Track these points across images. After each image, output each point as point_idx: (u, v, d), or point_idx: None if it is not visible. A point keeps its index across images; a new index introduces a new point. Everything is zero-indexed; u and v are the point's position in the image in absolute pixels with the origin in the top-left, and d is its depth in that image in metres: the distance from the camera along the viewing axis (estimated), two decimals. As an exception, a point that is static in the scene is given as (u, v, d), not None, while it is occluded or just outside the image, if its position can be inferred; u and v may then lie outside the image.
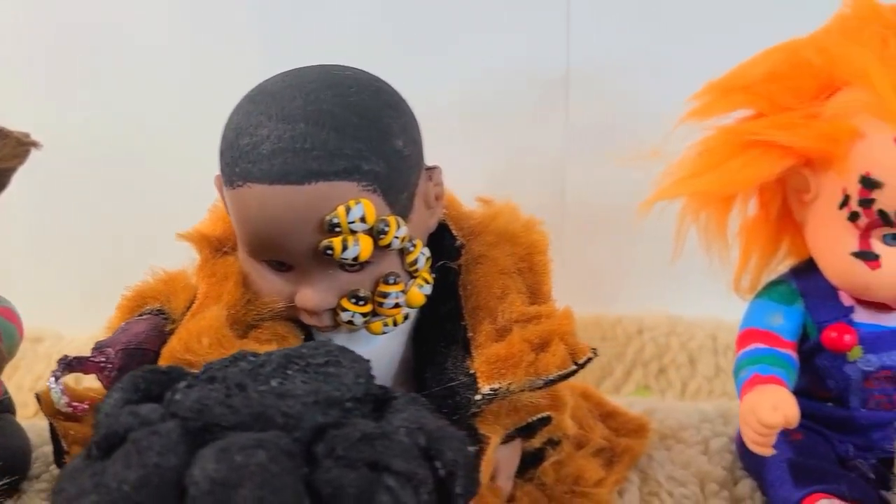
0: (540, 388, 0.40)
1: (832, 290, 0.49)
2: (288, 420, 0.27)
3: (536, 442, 0.48)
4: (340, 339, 0.45)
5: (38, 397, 0.44)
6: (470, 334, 0.42)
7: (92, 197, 0.82)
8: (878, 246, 0.44)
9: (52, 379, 0.38)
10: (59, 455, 0.44)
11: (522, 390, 0.40)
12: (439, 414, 0.41)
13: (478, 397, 0.40)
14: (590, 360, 0.42)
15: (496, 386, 0.39)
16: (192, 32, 0.79)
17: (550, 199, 0.87)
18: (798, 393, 0.51)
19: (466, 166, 0.83)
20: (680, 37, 0.78)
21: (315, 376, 0.29)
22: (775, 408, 0.43)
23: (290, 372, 0.29)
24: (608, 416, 0.54)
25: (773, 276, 0.52)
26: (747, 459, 0.52)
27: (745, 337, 0.50)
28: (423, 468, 0.28)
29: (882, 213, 0.43)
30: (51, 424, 0.43)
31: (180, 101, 0.78)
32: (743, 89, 0.48)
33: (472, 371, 0.40)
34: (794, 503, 0.46)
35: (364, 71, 0.43)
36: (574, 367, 0.41)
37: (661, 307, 0.85)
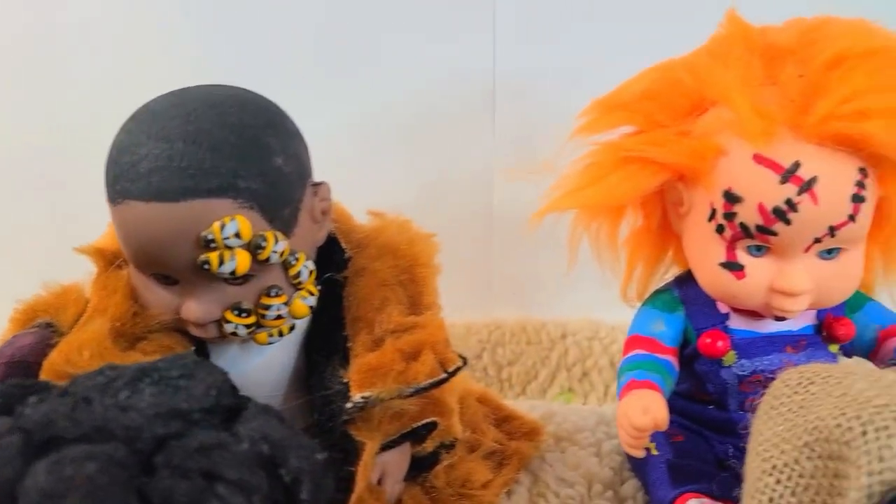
0: (411, 395, 0.42)
1: (710, 299, 0.51)
2: (128, 432, 0.29)
3: (429, 446, 0.50)
4: (232, 349, 0.47)
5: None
6: (349, 344, 0.44)
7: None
8: (743, 257, 0.47)
9: None
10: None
11: (392, 398, 0.41)
12: (325, 417, 0.43)
13: (349, 405, 0.41)
14: (459, 368, 0.44)
15: (367, 394, 0.41)
16: (122, 31, 0.79)
17: (479, 210, 0.89)
18: (681, 396, 0.54)
19: (396, 178, 0.86)
20: (604, 49, 0.80)
21: (165, 389, 0.31)
22: (645, 411, 0.45)
23: (141, 385, 0.31)
24: (504, 420, 0.56)
25: (659, 284, 0.55)
26: (633, 460, 0.54)
27: (630, 343, 0.52)
28: (257, 476, 0.29)
29: (743, 225, 0.45)
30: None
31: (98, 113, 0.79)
32: (622, 107, 0.50)
33: (345, 380, 0.42)
34: (668, 502, 0.48)
35: (250, 91, 0.45)
36: (444, 376, 0.43)
37: (584, 313, 0.87)
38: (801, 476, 0.35)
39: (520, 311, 0.88)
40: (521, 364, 0.86)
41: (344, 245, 0.47)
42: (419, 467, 0.51)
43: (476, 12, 0.81)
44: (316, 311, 0.46)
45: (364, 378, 0.41)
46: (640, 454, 0.47)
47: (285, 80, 0.81)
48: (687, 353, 0.52)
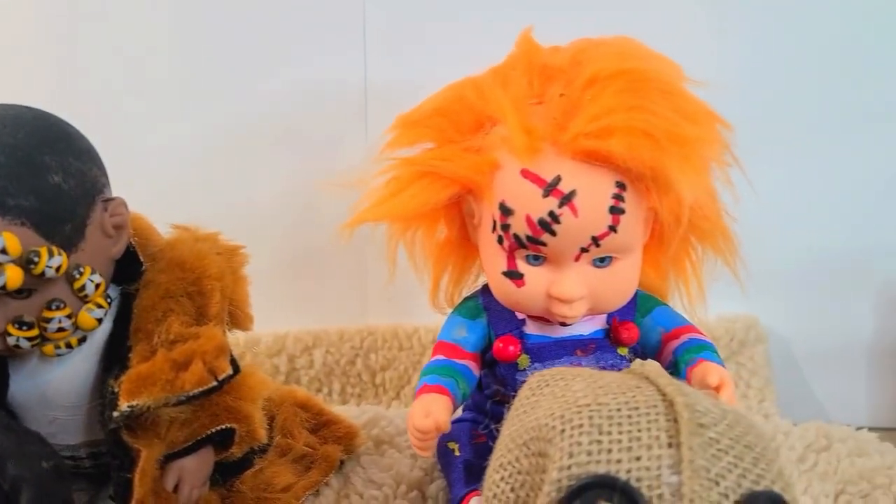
0: (180, 404, 0.44)
1: (511, 312, 0.53)
2: None
3: (237, 452, 0.52)
4: (32, 361, 0.48)
5: None
6: (130, 354, 0.45)
7: None
8: (522, 266, 0.49)
9: None
10: None
11: (160, 406, 0.43)
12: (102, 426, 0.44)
13: (116, 413, 0.43)
14: (231, 377, 0.46)
15: (133, 403, 0.43)
16: None
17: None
18: (489, 399, 0.56)
19: (272, 188, 0.88)
20: (470, 59, 0.83)
21: None
22: (427, 414, 0.48)
23: None
24: (323, 424, 0.58)
25: (471, 292, 0.57)
26: (441, 461, 0.56)
27: (435, 349, 0.54)
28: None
29: (517, 236, 0.48)
30: None
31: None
32: (419, 123, 0.52)
33: (115, 389, 0.43)
34: (458, 501, 0.50)
35: (37, 110, 0.46)
36: (215, 384, 0.44)
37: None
38: (518, 473, 0.37)
39: (392, 318, 0.90)
40: (394, 369, 0.88)
41: (142, 258, 0.49)
42: (233, 472, 0.52)
43: (347, 26, 0.83)
44: (115, 323, 0.48)
45: (132, 387, 0.43)
46: (428, 455, 0.49)
47: (161, 88, 0.82)
48: (488, 358, 0.54)
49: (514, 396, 0.54)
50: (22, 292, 0.44)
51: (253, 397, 0.50)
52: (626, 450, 0.34)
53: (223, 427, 0.48)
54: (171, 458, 0.48)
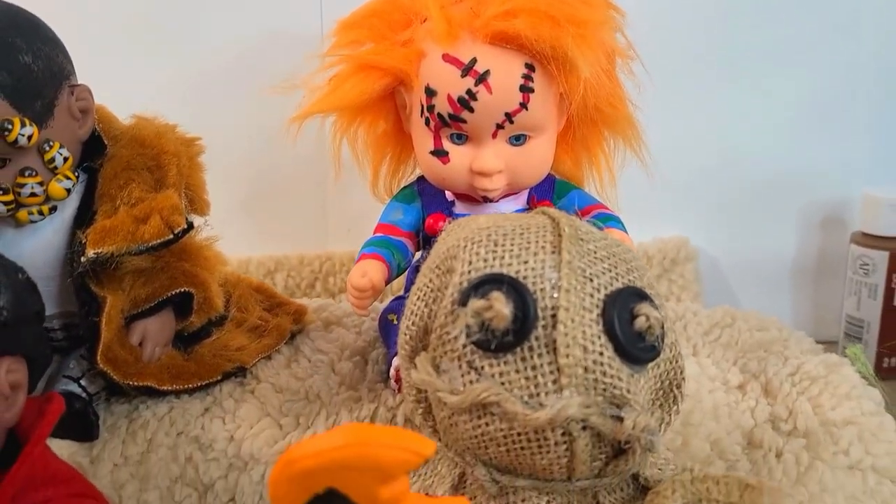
0: (143, 252, 0.50)
1: (441, 189, 0.60)
2: None
3: (196, 321, 0.57)
4: (8, 233, 0.54)
5: None
6: (96, 217, 0.51)
7: None
8: (447, 145, 0.56)
9: None
10: None
11: (122, 254, 0.49)
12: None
13: (83, 259, 0.49)
14: (185, 230, 0.52)
15: (99, 250, 0.48)
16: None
17: (314, 153, 0.97)
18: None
19: (240, 123, 0.93)
20: None
21: None
22: (363, 274, 0.54)
23: None
24: (277, 304, 0.64)
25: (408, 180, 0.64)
26: (382, 331, 0.62)
27: (375, 230, 0.61)
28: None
29: (440, 115, 0.54)
30: None
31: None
32: (355, 24, 0.58)
33: (83, 240, 0.49)
34: (390, 358, 0.56)
35: (10, 4, 0.52)
36: (171, 237, 0.50)
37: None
38: (431, 290, 0.43)
39: (350, 245, 0.96)
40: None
41: (105, 140, 0.54)
42: (192, 341, 0.58)
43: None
44: (81, 198, 0.54)
45: (97, 237, 0.49)
46: (364, 313, 0.55)
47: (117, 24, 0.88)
48: (423, 237, 0.61)
49: (446, 272, 0.60)
50: (-3, 161, 0.49)
51: (209, 267, 0.56)
52: (516, 256, 0.40)
53: (182, 290, 0.54)
54: (135, 318, 0.54)
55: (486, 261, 0.41)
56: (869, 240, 0.87)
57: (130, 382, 0.51)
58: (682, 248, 0.95)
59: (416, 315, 0.44)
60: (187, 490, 0.51)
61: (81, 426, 0.51)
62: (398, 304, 0.62)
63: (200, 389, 0.55)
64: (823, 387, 0.57)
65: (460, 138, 0.55)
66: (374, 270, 0.54)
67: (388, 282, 0.57)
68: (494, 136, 0.54)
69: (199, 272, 0.55)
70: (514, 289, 0.39)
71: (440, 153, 0.56)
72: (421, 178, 0.62)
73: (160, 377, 0.53)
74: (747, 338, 0.66)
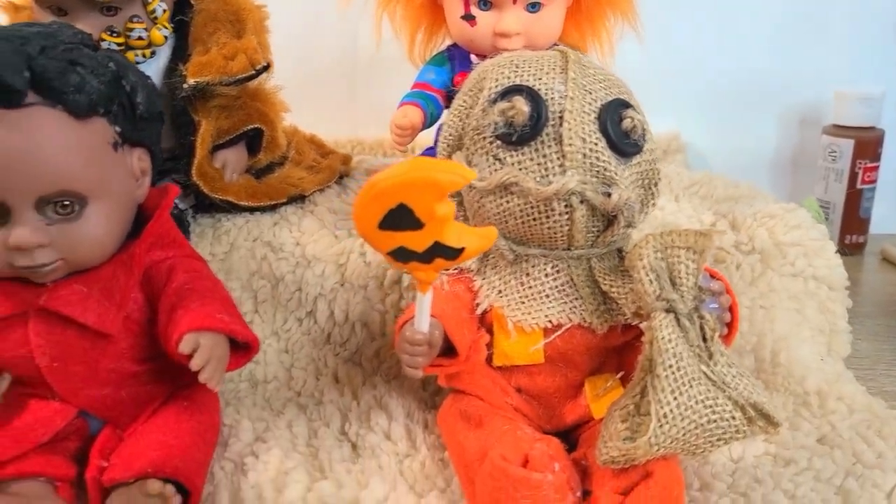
0: (231, 84, 0.62)
1: (468, 54, 0.71)
2: (25, 37, 0.47)
3: (263, 159, 0.70)
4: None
5: None
6: (190, 56, 0.63)
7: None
8: (475, 10, 0.67)
9: None
10: None
11: (216, 84, 0.61)
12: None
13: (185, 86, 0.61)
14: (266, 67, 0.63)
15: (198, 79, 0.60)
16: None
17: (346, 45, 1.08)
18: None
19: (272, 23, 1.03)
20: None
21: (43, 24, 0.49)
22: (404, 115, 0.66)
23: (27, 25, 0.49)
24: (327, 153, 0.76)
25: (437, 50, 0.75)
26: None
27: (412, 87, 0.72)
28: (106, 68, 0.48)
29: (469, -16, 0.65)
30: None
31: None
32: None
33: (184, 72, 0.61)
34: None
35: None
36: (253, 72, 0.62)
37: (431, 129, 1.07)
38: (464, 107, 0.55)
39: (378, 130, 1.08)
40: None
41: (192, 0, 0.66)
42: (259, 176, 0.70)
43: None
44: (173, 49, 0.65)
45: (196, 70, 0.61)
46: (402, 149, 0.68)
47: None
48: (452, 95, 0.72)
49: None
50: (111, 9, 0.60)
51: (276, 110, 0.68)
52: (532, 74, 0.52)
53: (255, 126, 0.66)
54: (216, 148, 0.66)
55: (508, 77, 0.53)
56: (837, 130, 0.99)
57: (216, 195, 0.64)
58: (672, 140, 1.06)
59: (452, 127, 0.56)
60: (262, 282, 0.64)
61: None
62: (430, 152, 0.74)
63: (269, 209, 0.67)
64: (779, 221, 0.69)
65: (486, 5, 0.67)
66: (413, 114, 0.66)
67: (423, 127, 0.69)
68: (514, 2, 0.66)
69: (268, 112, 0.67)
70: (531, 96, 0.51)
71: (469, 17, 0.67)
72: (451, 46, 0.73)
73: (238, 194, 0.65)
74: (721, 192, 0.78)
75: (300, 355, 0.64)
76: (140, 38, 0.62)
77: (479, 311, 0.54)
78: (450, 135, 0.56)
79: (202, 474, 0.50)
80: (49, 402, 0.52)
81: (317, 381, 0.63)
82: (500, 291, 0.54)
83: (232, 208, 0.66)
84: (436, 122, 0.72)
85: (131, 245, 0.52)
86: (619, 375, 0.55)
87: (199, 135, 0.62)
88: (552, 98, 0.51)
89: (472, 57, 0.71)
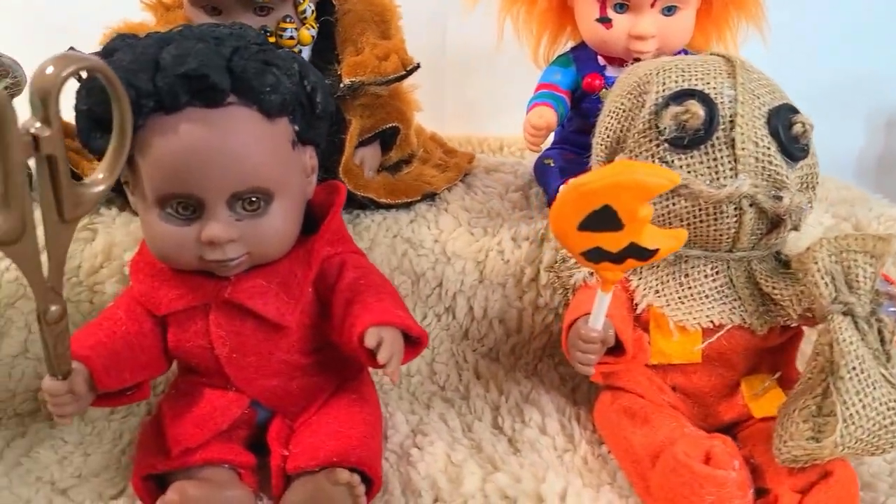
0: (384, 83, 0.63)
1: (593, 55, 0.72)
2: (219, 38, 0.48)
3: (394, 156, 0.71)
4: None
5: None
6: (340, 56, 0.64)
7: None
8: (611, 13, 0.68)
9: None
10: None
11: (370, 84, 0.62)
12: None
13: (342, 85, 0.62)
14: (416, 67, 0.65)
15: (353, 79, 0.62)
16: None
17: (434, 42, 1.09)
18: (573, 132, 0.76)
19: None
20: None
21: (234, 26, 0.51)
22: (540, 116, 0.67)
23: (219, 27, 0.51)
24: (448, 151, 0.77)
25: (561, 51, 0.76)
26: (538, 172, 0.75)
27: (536, 88, 0.73)
28: (293, 69, 0.50)
29: (590, -9, 0.67)
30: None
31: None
32: None
33: (339, 72, 0.63)
34: (556, 187, 0.70)
35: None
36: (404, 72, 0.64)
37: (516, 130, 1.08)
38: (622, 110, 0.56)
39: (466, 128, 1.09)
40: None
41: (334, 1, 0.67)
42: (392, 171, 0.72)
43: None
44: (316, 45, 0.66)
45: (351, 70, 0.62)
46: (537, 149, 0.69)
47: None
48: (576, 97, 0.73)
49: (594, 124, 0.73)
50: (264, 9, 0.62)
51: (412, 108, 0.69)
52: (701, 79, 0.53)
53: (392, 125, 0.67)
54: (356, 146, 0.67)
55: (676, 82, 0.53)
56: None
57: (359, 192, 0.65)
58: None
59: (610, 129, 0.57)
60: (403, 277, 0.66)
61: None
62: (552, 152, 0.75)
63: (404, 206, 0.68)
64: (905, 225, 0.70)
65: (622, 8, 0.68)
66: (549, 114, 0.67)
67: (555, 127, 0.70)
68: (652, 5, 0.67)
69: (405, 110, 0.68)
70: (704, 100, 0.52)
71: (604, 20, 0.68)
72: (574, 48, 0.74)
73: (378, 191, 0.66)
74: (835, 195, 0.79)
75: (440, 350, 0.65)
76: (291, 38, 0.63)
77: (638, 310, 0.55)
78: (608, 137, 0.57)
79: (379, 464, 0.52)
80: (225, 392, 0.53)
81: (459, 376, 0.64)
82: (657, 291, 0.56)
83: (371, 205, 0.67)
84: (563, 120, 0.73)
85: (307, 241, 0.53)
86: (776, 376, 0.56)
87: (348, 133, 0.63)
88: (722, 102, 0.52)
89: (599, 59, 0.72)
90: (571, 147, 0.75)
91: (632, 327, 0.55)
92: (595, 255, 0.46)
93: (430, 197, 0.70)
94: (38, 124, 0.39)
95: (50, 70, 0.39)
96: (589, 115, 0.73)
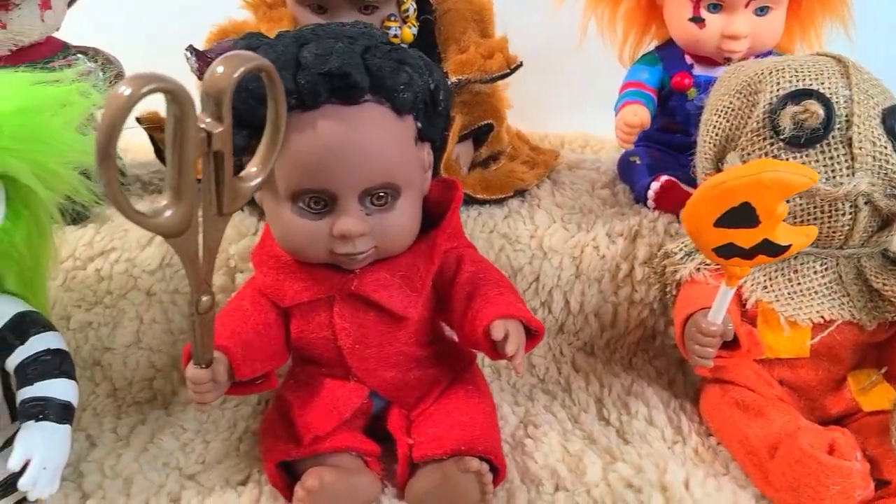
0: (488, 81, 0.64)
1: (681, 54, 0.73)
2: (351, 37, 0.50)
3: (484, 152, 0.72)
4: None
5: (139, 119, 0.66)
6: (442, 55, 0.65)
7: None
8: (704, 13, 0.69)
9: (188, 54, 0.60)
10: (159, 154, 0.66)
11: (476, 81, 0.63)
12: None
13: (449, 82, 0.63)
14: (519, 65, 0.66)
15: (459, 77, 0.63)
16: None
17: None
18: (658, 129, 0.77)
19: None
20: None
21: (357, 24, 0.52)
22: (634, 114, 0.68)
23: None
24: (533, 148, 0.78)
25: (646, 50, 0.77)
26: (622, 170, 0.77)
27: (623, 87, 0.75)
28: (422, 67, 0.51)
29: (703, -13, 0.67)
30: (150, 135, 0.66)
31: None
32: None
33: (446, 71, 0.64)
34: (647, 183, 0.71)
35: None
36: (508, 70, 0.65)
37: (578, 128, 1.08)
38: (731, 110, 0.57)
39: (527, 125, 1.10)
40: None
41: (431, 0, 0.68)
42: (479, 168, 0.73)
43: None
44: (415, 44, 0.68)
45: (457, 68, 0.63)
46: (629, 146, 0.70)
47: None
48: (663, 95, 0.74)
49: (680, 123, 0.74)
50: (369, 8, 0.63)
51: (504, 105, 0.71)
52: (815, 79, 0.54)
53: (488, 122, 0.69)
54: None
55: (791, 82, 0.55)
56: None
57: (457, 188, 0.66)
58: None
59: (718, 128, 0.58)
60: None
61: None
62: (638, 150, 0.76)
63: (497, 202, 0.70)
64: None
65: (716, 8, 0.69)
66: (643, 112, 0.69)
67: (646, 125, 0.71)
68: (746, 5, 0.68)
69: (500, 107, 0.69)
70: (820, 99, 0.53)
71: (698, 20, 0.69)
72: (660, 46, 0.75)
73: (475, 187, 0.68)
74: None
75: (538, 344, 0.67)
76: (395, 36, 0.64)
77: (748, 305, 0.57)
78: (716, 135, 0.58)
79: (502, 453, 0.53)
80: (346, 382, 0.55)
81: (559, 369, 0.65)
82: (765, 287, 0.57)
83: (466, 202, 0.68)
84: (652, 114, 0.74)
85: (428, 235, 0.54)
86: (882, 371, 0.57)
87: (451, 130, 0.64)
88: (838, 102, 0.53)
89: (687, 58, 0.73)
90: (656, 145, 0.76)
91: (741, 322, 0.56)
92: (726, 251, 0.47)
93: (521, 193, 0.72)
94: (208, 120, 0.40)
95: (221, 70, 0.40)
96: (675, 114, 0.75)
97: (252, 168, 0.44)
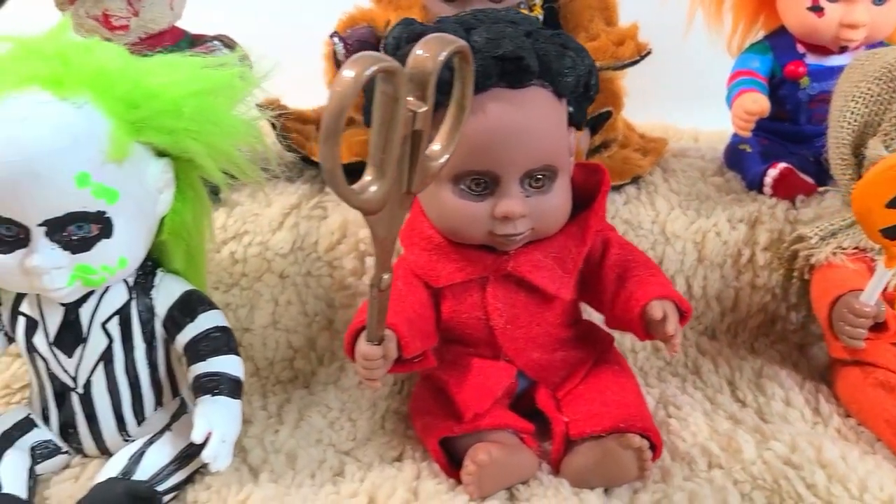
0: (619, 68, 0.65)
1: (792, 43, 0.74)
2: (514, 22, 0.51)
3: (597, 140, 0.73)
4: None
5: (260, 106, 0.67)
6: (575, 39, 0.66)
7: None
8: (823, 2, 0.70)
9: (335, 39, 0.61)
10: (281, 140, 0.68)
11: (608, 68, 0.64)
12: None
13: (581, 71, 0.64)
14: (649, 52, 0.67)
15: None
16: None
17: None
18: (768, 118, 0.77)
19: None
20: None
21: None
22: (755, 101, 0.69)
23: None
24: (642, 136, 0.79)
25: (753, 40, 0.78)
26: (730, 160, 0.78)
27: (734, 75, 0.75)
28: (582, 52, 0.52)
29: (825, -21, 0.68)
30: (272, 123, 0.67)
31: None
32: None
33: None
34: (761, 172, 0.71)
35: None
36: (639, 58, 0.66)
37: (660, 119, 1.09)
38: (871, 96, 0.58)
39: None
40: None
41: (553, -15, 0.69)
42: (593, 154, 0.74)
43: None
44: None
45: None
46: (748, 134, 0.71)
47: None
48: (773, 84, 0.75)
49: (789, 111, 0.75)
50: (503, -2, 0.64)
51: (622, 93, 0.71)
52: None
53: (606, 109, 0.70)
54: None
55: (935, 66, 0.55)
56: None
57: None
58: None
59: (857, 114, 0.59)
60: (623, 257, 0.68)
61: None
62: (748, 138, 0.76)
63: (615, 189, 0.70)
64: None
65: (835, -2, 0.70)
66: (762, 100, 0.69)
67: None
68: (865, -5, 0.68)
69: (620, 93, 0.70)
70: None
71: (817, 9, 0.70)
72: (769, 35, 0.76)
73: (596, 173, 0.69)
74: None
75: (661, 327, 0.67)
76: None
77: (890, 287, 0.57)
78: (854, 121, 0.59)
79: (657, 431, 0.54)
80: (495, 362, 0.56)
81: (685, 353, 0.66)
82: (905, 270, 0.58)
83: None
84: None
85: (579, 217, 0.55)
86: None
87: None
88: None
89: (799, 46, 0.74)
90: (765, 133, 0.77)
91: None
92: (893, 233, 0.48)
93: (636, 180, 0.73)
94: (410, 99, 0.41)
95: (424, 53, 0.41)
96: (785, 102, 0.76)
97: (435, 146, 0.45)
